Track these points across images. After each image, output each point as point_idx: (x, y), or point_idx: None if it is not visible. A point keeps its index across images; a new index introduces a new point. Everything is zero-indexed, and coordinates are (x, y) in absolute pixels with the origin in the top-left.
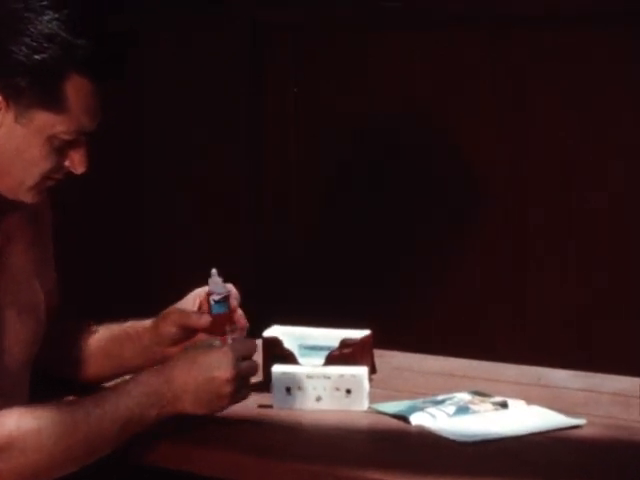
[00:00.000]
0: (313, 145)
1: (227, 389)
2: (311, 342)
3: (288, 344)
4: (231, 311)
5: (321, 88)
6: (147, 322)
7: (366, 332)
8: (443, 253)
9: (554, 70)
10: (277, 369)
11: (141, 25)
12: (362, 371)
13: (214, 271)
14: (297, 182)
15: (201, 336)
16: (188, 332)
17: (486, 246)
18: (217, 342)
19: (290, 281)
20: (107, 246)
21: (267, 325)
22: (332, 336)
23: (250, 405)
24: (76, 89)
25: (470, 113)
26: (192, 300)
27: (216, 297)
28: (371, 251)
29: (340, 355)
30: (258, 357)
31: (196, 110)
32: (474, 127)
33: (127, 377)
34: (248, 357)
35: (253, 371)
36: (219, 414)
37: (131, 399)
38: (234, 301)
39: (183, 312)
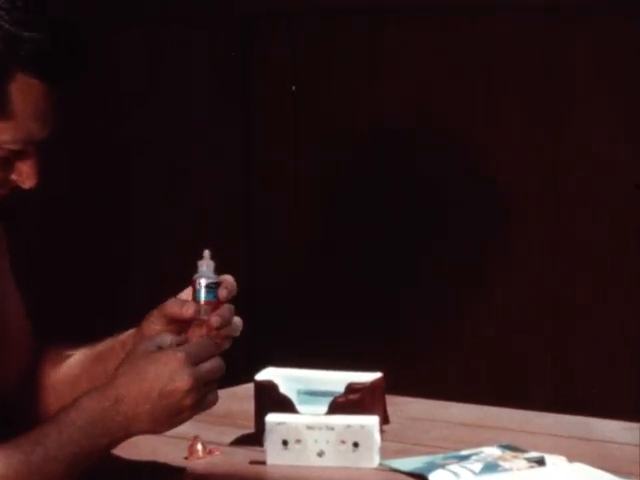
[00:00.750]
0: (313, 154)
1: (187, 401)
2: (312, 386)
3: (285, 389)
4: (219, 302)
5: (322, 88)
6: (132, 330)
7: (377, 375)
8: (464, 283)
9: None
10: (272, 418)
11: (117, 19)
12: (372, 421)
13: (207, 252)
14: (295, 199)
15: (191, 333)
16: (172, 329)
17: (514, 274)
18: (167, 338)
19: (287, 314)
20: (90, 262)
21: (260, 367)
22: (336, 380)
23: (240, 460)
24: (23, 91)
25: (494, 122)
26: (185, 296)
27: (204, 281)
28: (381, 280)
29: (346, 402)
30: (249, 404)
31: (182, 114)
32: (498, 139)
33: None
34: (206, 357)
35: (217, 372)
36: (203, 472)
37: (76, 430)
38: (224, 291)
39: (165, 304)
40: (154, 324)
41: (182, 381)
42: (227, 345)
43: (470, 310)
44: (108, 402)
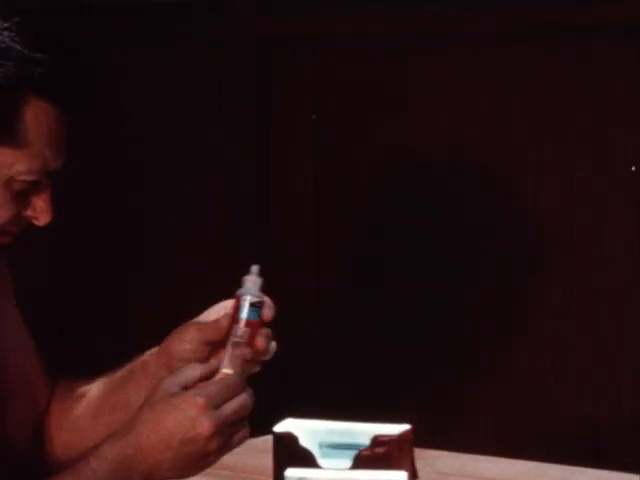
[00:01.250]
0: (334, 186)
1: (212, 446)
2: (335, 439)
3: (306, 442)
4: (261, 323)
5: (345, 116)
6: (154, 349)
7: (404, 427)
8: (499, 323)
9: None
10: (292, 473)
11: (132, 38)
12: (400, 476)
13: (255, 268)
14: (316, 238)
15: (228, 355)
16: (205, 349)
17: (555, 314)
18: (193, 373)
19: (307, 360)
20: (104, 288)
21: (279, 418)
22: (361, 431)
23: None
24: (37, 116)
25: (531, 151)
26: (216, 313)
27: (249, 298)
28: (408, 321)
29: (372, 455)
30: (267, 458)
31: (192, 144)
32: (535, 169)
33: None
34: (230, 397)
35: (242, 411)
36: None
37: None
38: (268, 311)
39: (201, 323)
40: (181, 343)
41: (202, 427)
42: (257, 368)
43: (505, 357)
44: (130, 450)
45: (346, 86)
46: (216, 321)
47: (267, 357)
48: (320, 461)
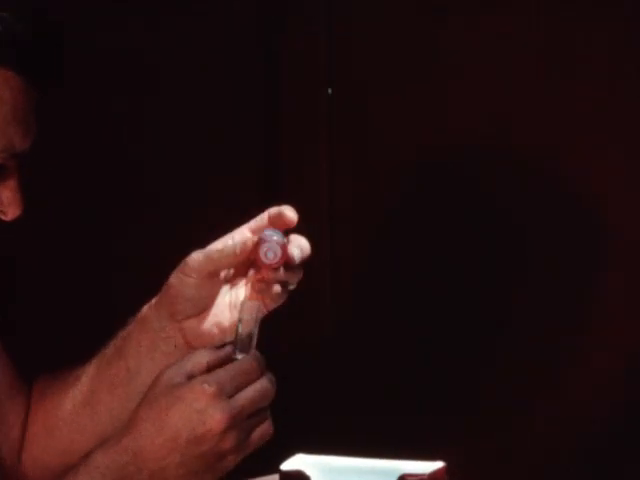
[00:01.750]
0: (353, 177)
1: (226, 444)
2: (353, 478)
3: None
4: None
5: (365, 90)
6: (154, 299)
7: (436, 465)
8: (550, 348)
9: None
10: None
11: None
12: None
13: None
14: (332, 253)
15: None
16: (210, 284)
17: (620, 330)
18: (200, 359)
19: (320, 387)
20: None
21: (287, 453)
22: (385, 469)
23: None
24: (1, 87)
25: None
26: (222, 243)
27: (270, 235)
28: (444, 341)
29: None
30: None
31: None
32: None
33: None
34: (246, 383)
35: (262, 399)
36: None
37: None
38: (295, 250)
39: (204, 251)
40: (186, 276)
41: (214, 421)
42: (282, 299)
43: (555, 376)
44: (126, 456)
45: (368, 52)
46: (223, 246)
47: (294, 283)
48: None
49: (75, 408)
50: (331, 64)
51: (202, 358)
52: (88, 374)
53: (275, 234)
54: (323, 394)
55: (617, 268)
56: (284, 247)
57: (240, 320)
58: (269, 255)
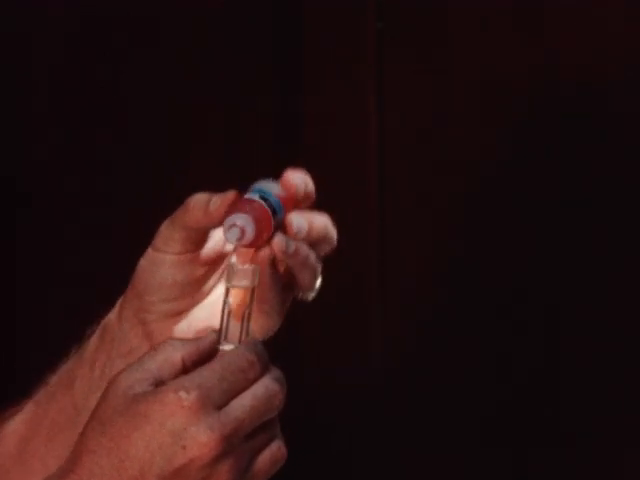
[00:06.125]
0: (407, 148)
1: (220, 476)
2: None
3: None
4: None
5: (421, 24)
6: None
7: None
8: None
9: None
10: None
11: None
12: None
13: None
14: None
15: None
16: (197, 265)
17: None
18: (173, 354)
19: (355, 409)
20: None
21: None
22: None
23: None
24: None
25: None
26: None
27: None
28: (527, 359)
29: None
30: None
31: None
32: None
33: None
34: (241, 387)
35: (265, 408)
36: None
37: None
38: (295, 221)
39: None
40: (161, 251)
41: (198, 446)
42: (311, 295)
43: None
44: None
45: None
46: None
47: (310, 293)
48: None
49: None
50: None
51: (174, 353)
52: (24, 415)
53: (263, 190)
54: (367, 419)
55: None
56: (261, 218)
57: (228, 294)
58: (231, 233)
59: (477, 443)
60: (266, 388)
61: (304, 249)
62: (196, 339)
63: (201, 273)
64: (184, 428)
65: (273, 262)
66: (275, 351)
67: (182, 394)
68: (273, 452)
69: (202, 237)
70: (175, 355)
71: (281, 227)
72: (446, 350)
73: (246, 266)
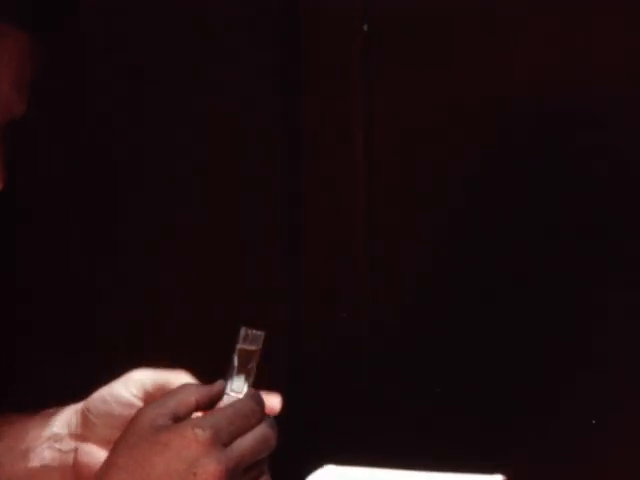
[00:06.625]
0: (393, 142)
1: None
2: None
3: None
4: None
5: (408, 27)
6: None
7: (495, 478)
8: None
9: None
10: None
11: None
12: None
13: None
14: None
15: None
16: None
17: None
18: (188, 397)
19: (348, 388)
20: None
21: (314, 464)
22: None
23: None
24: (1, 45)
25: None
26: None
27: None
28: (496, 341)
29: None
30: None
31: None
32: None
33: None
34: (244, 429)
35: (262, 448)
36: None
37: None
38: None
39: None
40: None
41: (207, 474)
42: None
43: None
44: None
45: None
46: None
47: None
48: None
49: None
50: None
51: (189, 395)
52: None
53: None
54: (355, 398)
55: None
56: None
57: (237, 350)
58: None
59: (463, 422)
60: (263, 432)
61: None
62: (208, 385)
63: None
64: (197, 458)
65: None
66: (277, 334)
67: (198, 431)
68: None
69: None
70: (190, 398)
71: None
72: (430, 333)
73: (255, 332)
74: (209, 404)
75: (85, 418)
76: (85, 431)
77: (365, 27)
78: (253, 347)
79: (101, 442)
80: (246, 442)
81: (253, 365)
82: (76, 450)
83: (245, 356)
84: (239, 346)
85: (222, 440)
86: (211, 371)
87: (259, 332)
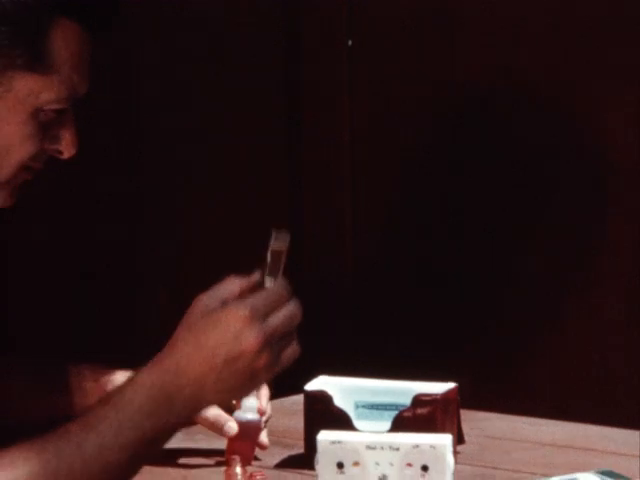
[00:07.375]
0: (371, 131)
1: (260, 362)
2: (372, 399)
3: (340, 401)
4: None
5: (386, 40)
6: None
7: (449, 385)
8: (559, 275)
9: None
10: (325, 437)
11: None
12: (444, 440)
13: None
14: (352, 194)
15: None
16: None
17: (622, 264)
18: (232, 287)
19: (342, 312)
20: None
21: (310, 375)
22: (402, 390)
23: None
24: (66, 39)
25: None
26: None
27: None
28: (452, 273)
29: (413, 417)
30: (298, 419)
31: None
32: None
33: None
34: (277, 307)
35: (291, 322)
36: None
37: (135, 411)
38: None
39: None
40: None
41: (249, 341)
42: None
43: (566, 310)
44: (169, 375)
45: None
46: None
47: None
48: (356, 423)
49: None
50: (351, 18)
51: (234, 286)
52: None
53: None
54: (346, 320)
55: None
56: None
57: (270, 249)
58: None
59: (426, 348)
60: (290, 311)
61: None
62: (247, 277)
63: None
64: (240, 331)
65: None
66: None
67: (240, 310)
68: (292, 350)
69: None
70: (235, 287)
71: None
72: (408, 269)
73: (283, 233)
74: (249, 292)
75: None
76: None
77: (350, 42)
78: (282, 247)
79: None
80: (278, 318)
81: (283, 261)
82: None
83: (277, 255)
84: (271, 247)
85: (259, 316)
86: None
87: (286, 233)
